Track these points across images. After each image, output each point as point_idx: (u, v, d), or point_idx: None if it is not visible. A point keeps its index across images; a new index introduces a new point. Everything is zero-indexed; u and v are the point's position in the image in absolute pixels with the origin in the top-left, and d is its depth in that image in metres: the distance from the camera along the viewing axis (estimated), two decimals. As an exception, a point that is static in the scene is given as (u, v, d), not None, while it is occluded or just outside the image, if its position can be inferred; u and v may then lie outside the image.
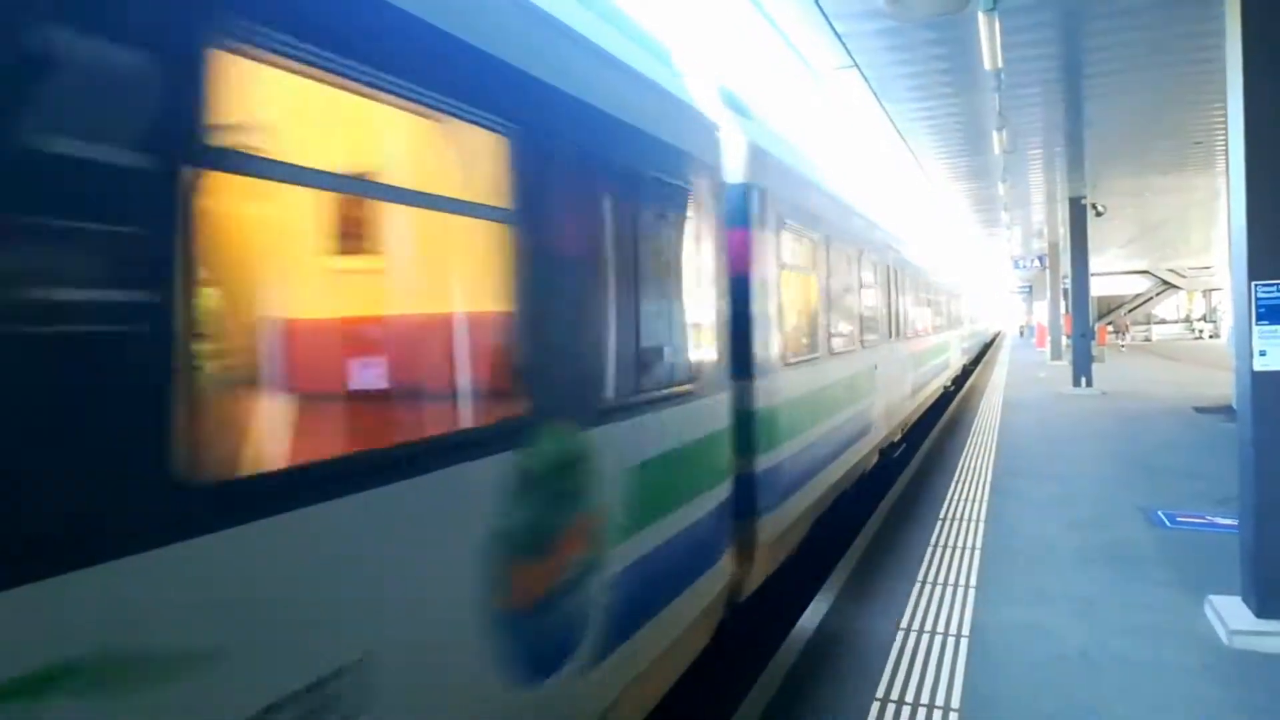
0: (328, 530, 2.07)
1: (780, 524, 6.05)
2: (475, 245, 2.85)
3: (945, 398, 21.24)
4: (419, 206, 2.63)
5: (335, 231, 2.78)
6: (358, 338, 2.97)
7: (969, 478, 10.68)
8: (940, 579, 6.73)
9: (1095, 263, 30.84)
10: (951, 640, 5.49)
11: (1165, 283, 57.26)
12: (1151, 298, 59.64)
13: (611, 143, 3.76)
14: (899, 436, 13.00)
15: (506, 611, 2.72)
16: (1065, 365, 25.37)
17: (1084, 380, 21.11)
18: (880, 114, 12.65)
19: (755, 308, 5.70)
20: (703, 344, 4.77)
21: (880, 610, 6.08)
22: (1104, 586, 6.45)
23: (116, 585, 1.55)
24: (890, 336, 12.09)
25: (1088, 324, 22.26)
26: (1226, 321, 41.41)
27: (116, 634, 1.56)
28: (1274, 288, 5.44)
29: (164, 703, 1.64)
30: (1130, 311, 59.06)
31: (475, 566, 2.58)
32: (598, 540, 3.35)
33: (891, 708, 4.61)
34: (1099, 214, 21.74)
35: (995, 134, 12.18)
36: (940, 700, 4.66)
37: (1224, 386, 17.22)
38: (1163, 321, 60.97)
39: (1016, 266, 42.38)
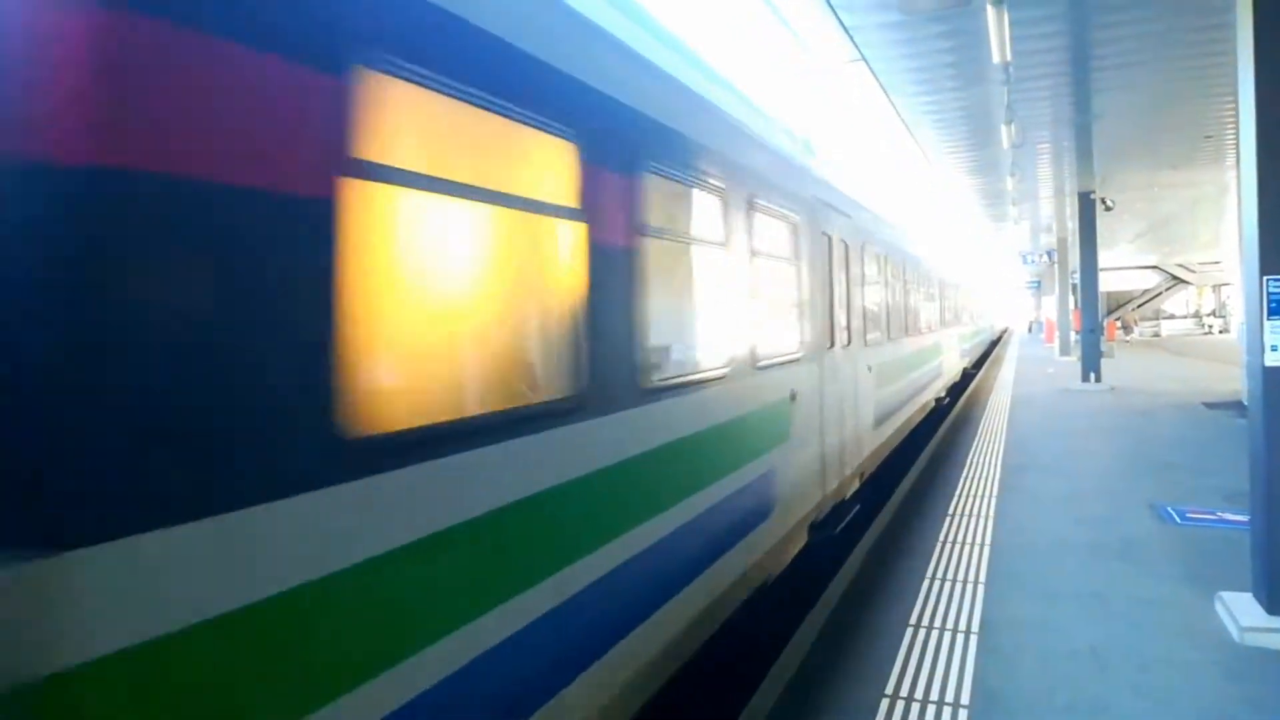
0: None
1: None
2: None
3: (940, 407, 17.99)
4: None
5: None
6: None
7: (978, 473, 10.65)
8: (949, 575, 6.71)
9: (1104, 257, 30.74)
10: (961, 636, 5.47)
11: (1175, 278, 56.96)
12: (1161, 293, 59.34)
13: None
14: (850, 490, 8.54)
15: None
16: (1074, 361, 25.29)
17: (1093, 376, 21.04)
18: (888, 108, 12.59)
19: None
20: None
21: (890, 606, 6.06)
22: (1114, 583, 6.42)
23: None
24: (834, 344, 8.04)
25: (1097, 319, 22.16)
26: (1236, 316, 41.20)
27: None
28: (1286, 282, 5.40)
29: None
30: (1140, 307, 58.80)
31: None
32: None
33: (901, 704, 4.60)
34: (1108, 209, 21.64)
35: (1004, 128, 12.13)
36: (950, 697, 4.65)
37: (1233, 382, 17.14)
38: (1172, 317, 60.71)
39: (1025, 261, 42.21)
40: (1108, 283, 47.45)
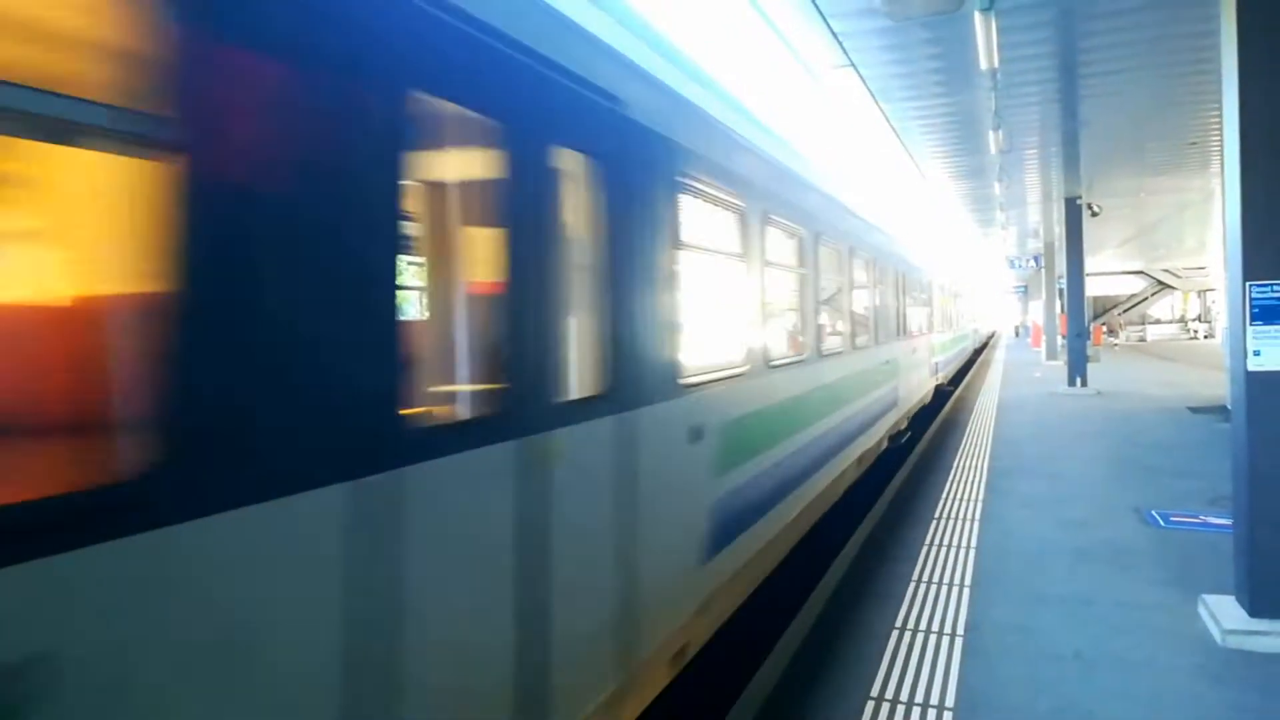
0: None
1: None
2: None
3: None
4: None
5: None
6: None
7: (964, 476, 10.70)
8: (935, 578, 6.74)
9: (1091, 263, 30.92)
10: (946, 639, 5.49)
11: (1160, 283, 57.38)
12: (1146, 298, 59.74)
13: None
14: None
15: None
16: (1060, 365, 25.44)
17: (1079, 380, 21.17)
18: (876, 113, 12.65)
19: None
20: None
21: (875, 609, 6.08)
22: (1098, 586, 6.46)
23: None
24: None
25: (1083, 324, 22.29)
26: (1221, 322, 41.52)
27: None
28: (1268, 288, 5.46)
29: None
30: (1125, 312, 59.16)
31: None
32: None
33: (886, 706, 4.62)
34: (1094, 214, 21.79)
35: (991, 133, 12.21)
36: (935, 699, 4.67)
37: (1218, 387, 17.26)
38: (1158, 322, 61.06)
39: (1012, 266, 42.41)
40: (1094, 288, 47.73)
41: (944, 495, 9.67)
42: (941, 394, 20.76)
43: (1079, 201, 21.24)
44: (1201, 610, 5.79)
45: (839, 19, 8.85)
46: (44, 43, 1.93)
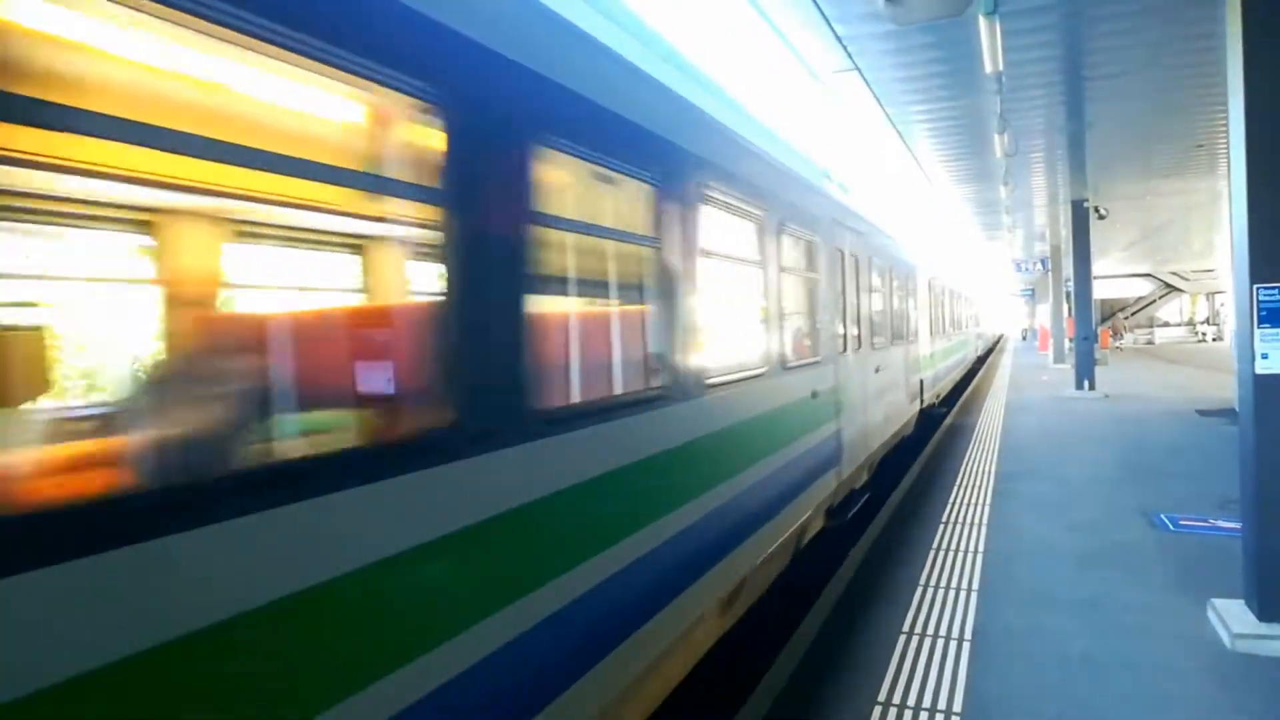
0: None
1: None
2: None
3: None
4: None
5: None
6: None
7: (972, 480, 10.67)
8: (943, 582, 6.72)
9: (1098, 266, 30.83)
10: (954, 644, 5.48)
11: (1168, 286, 57.17)
12: (1154, 301, 59.52)
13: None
14: None
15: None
16: (1068, 368, 25.35)
17: (1087, 383, 21.09)
18: (881, 117, 12.65)
19: None
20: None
21: (883, 613, 6.07)
22: (1106, 589, 6.44)
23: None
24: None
25: (1091, 327, 22.21)
26: (1229, 325, 41.28)
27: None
28: (1276, 290, 5.44)
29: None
30: (1133, 315, 58.96)
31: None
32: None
33: (894, 711, 4.60)
34: (1101, 217, 21.73)
35: (997, 137, 12.18)
36: (942, 704, 4.65)
37: (1226, 389, 17.20)
38: (1165, 325, 60.84)
39: (1019, 269, 42.32)
40: (1101, 290, 47.62)
41: (951, 499, 9.64)
42: (932, 418, 16.57)
43: (1085, 204, 21.18)
44: (1210, 614, 5.76)
45: (843, 23, 8.86)
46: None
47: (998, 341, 58.49)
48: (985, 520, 8.65)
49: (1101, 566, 7.02)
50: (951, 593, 6.47)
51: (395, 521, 2.45)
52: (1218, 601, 5.79)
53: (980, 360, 37.42)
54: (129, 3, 1.86)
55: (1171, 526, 8.15)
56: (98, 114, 1.83)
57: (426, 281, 2.73)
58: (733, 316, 5.83)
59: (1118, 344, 47.72)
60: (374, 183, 2.72)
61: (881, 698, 4.77)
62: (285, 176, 2.30)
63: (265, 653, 2.05)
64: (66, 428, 2.94)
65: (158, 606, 1.83)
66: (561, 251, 3.63)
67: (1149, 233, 31.28)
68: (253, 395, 2.77)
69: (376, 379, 2.95)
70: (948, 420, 16.91)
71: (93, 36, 2.18)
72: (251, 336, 3.13)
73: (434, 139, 2.70)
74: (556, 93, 3.41)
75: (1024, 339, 65.48)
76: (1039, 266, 38.38)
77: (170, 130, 1.95)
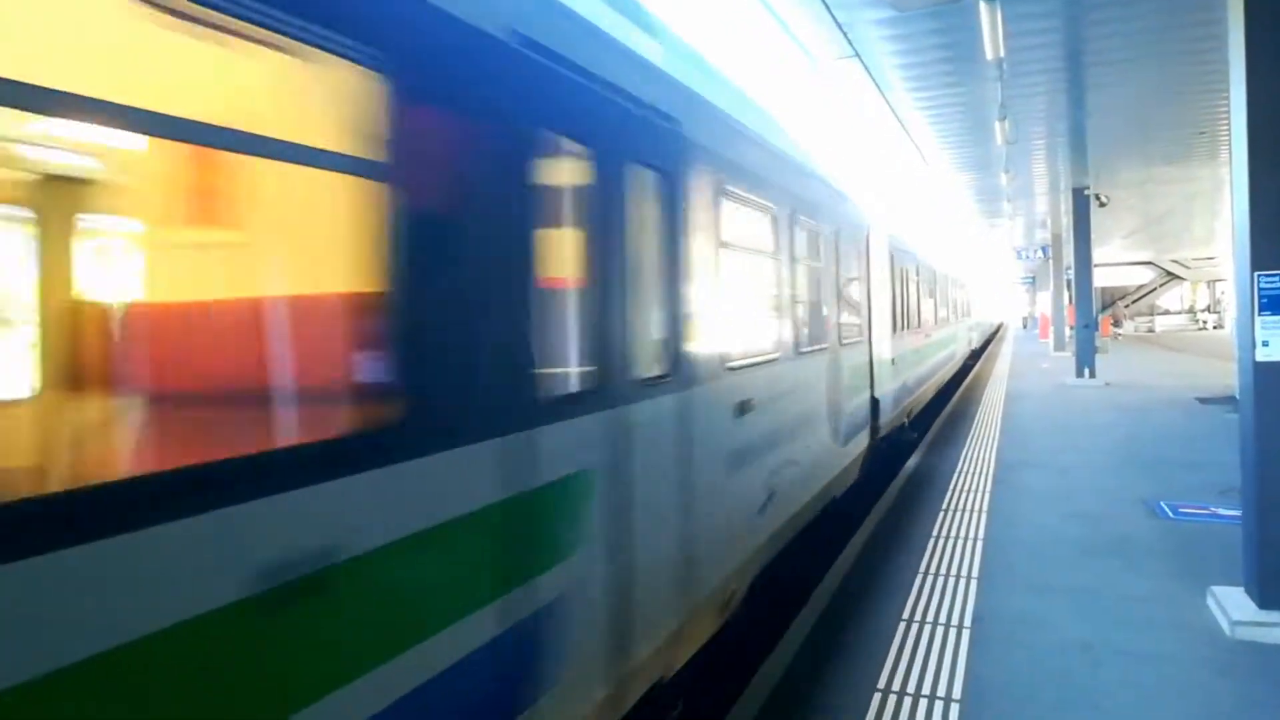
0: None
1: None
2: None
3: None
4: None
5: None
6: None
7: (972, 468, 10.67)
8: (943, 570, 6.73)
9: (1098, 254, 30.77)
10: (954, 631, 5.49)
11: (1169, 273, 57.14)
12: (1155, 289, 59.50)
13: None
14: None
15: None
16: (1068, 356, 25.33)
17: (1087, 371, 21.09)
18: (881, 104, 12.60)
19: None
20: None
21: (883, 601, 6.08)
22: (1106, 577, 6.45)
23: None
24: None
25: (1091, 315, 22.19)
26: (1230, 312, 41.20)
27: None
28: (1277, 278, 5.43)
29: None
30: (1134, 302, 58.95)
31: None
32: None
33: (893, 699, 4.61)
34: (1102, 205, 21.68)
35: (997, 124, 12.15)
36: (941, 691, 4.66)
37: (1227, 377, 17.19)
38: (1166, 313, 60.86)
39: (1020, 257, 42.28)
40: (1102, 278, 47.56)
41: (951, 486, 9.65)
42: (897, 445, 12.25)
43: (1086, 192, 21.13)
44: (1210, 602, 5.77)
45: (843, 9, 8.81)
46: None
47: (996, 331, 58.49)
48: (985, 508, 8.65)
49: (1101, 554, 7.03)
50: (951, 580, 6.47)
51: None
52: (1217, 589, 5.80)
53: (976, 354, 32.51)
54: None
55: (1171, 514, 8.16)
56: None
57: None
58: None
59: (1118, 332, 47.73)
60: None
61: (881, 684, 4.78)
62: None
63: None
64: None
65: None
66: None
67: (1150, 220, 31.24)
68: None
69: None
70: (917, 454, 12.23)
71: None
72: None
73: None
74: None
75: (1024, 327, 65.46)
76: (1040, 254, 38.35)
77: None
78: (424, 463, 2.47)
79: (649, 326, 4.08)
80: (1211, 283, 58.38)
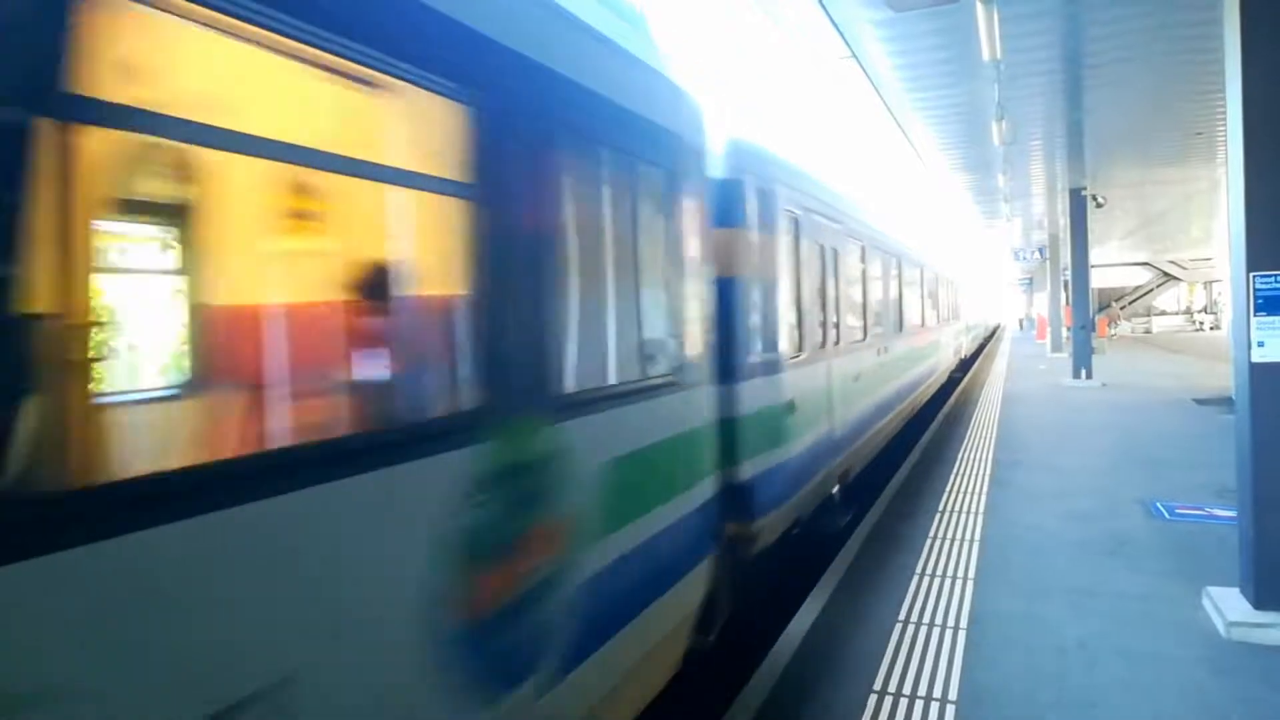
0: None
1: None
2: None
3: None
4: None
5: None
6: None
7: (968, 469, 10.68)
8: (939, 571, 6.73)
9: (1095, 254, 30.74)
10: (950, 632, 5.48)
11: (1166, 274, 57.21)
12: (1152, 289, 59.57)
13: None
14: None
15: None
16: (1065, 357, 25.34)
17: (1084, 372, 21.10)
18: (879, 105, 12.61)
19: None
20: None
21: (879, 603, 6.07)
22: (1102, 578, 6.45)
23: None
24: None
25: (1088, 316, 22.21)
26: (1227, 313, 41.26)
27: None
28: (1272, 279, 5.43)
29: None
30: (1131, 303, 59.03)
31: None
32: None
33: (889, 700, 4.61)
34: (1099, 205, 21.72)
35: (995, 125, 12.15)
36: (937, 692, 4.66)
37: (1224, 378, 17.20)
38: (1163, 313, 60.93)
39: (1017, 258, 42.31)
40: (1099, 279, 47.60)
41: (948, 488, 9.65)
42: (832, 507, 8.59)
43: (1084, 193, 21.15)
44: (1206, 602, 5.77)
45: (840, 10, 8.82)
46: None
47: (993, 333, 58.54)
48: (982, 509, 8.65)
49: (1098, 555, 7.03)
50: (948, 581, 6.47)
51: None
52: (1213, 589, 5.80)
53: (966, 364, 27.88)
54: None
55: (1168, 515, 8.16)
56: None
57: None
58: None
59: (1112, 333, 47.78)
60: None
61: (877, 686, 4.78)
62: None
63: None
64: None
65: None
66: None
67: (1147, 221, 31.30)
68: None
69: None
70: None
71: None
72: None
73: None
74: None
75: (1021, 328, 65.52)
76: (1037, 255, 38.38)
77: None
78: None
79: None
80: (1208, 283, 58.46)
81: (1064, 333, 31.59)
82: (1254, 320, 5.45)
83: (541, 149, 3.19)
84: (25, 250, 1.50)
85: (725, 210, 5.92)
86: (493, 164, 2.84)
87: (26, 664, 1.48)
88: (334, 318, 3.27)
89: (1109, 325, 48.83)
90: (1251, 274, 5.46)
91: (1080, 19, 9.41)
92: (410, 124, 2.64)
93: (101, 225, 2.75)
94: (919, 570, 6.76)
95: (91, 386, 2.06)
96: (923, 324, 16.27)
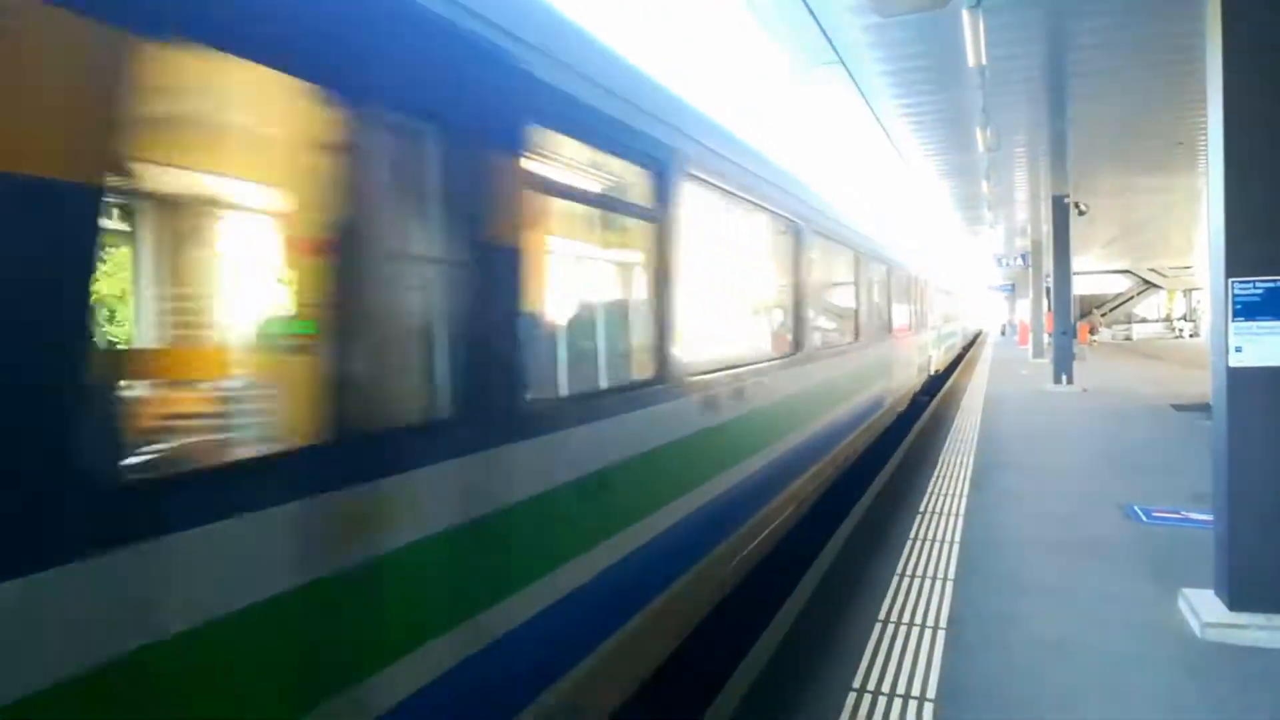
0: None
1: None
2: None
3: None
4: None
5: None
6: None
7: (949, 472, 10.74)
8: (919, 572, 6.77)
9: (1077, 262, 31.04)
10: (929, 632, 5.52)
11: (1146, 282, 57.77)
12: (1132, 297, 60.12)
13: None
14: None
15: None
16: (1047, 363, 25.54)
17: (1065, 377, 21.28)
18: (864, 110, 12.68)
19: None
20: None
21: (859, 602, 6.11)
22: (1080, 579, 6.51)
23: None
24: None
25: (1069, 322, 22.40)
26: (1206, 321, 41.70)
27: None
28: (1251, 285, 5.50)
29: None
30: (1112, 310, 59.54)
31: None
32: None
33: (868, 698, 4.64)
34: (1081, 213, 21.91)
35: (979, 131, 12.25)
36: (916, 690, 4.70)
37: (1202, 385, 17.35)
38: (1144, 321, 61.49)
39: (999, 264, 42.62)
40: (1081, 286, 48.02)
41: (929, 490, 9.71)
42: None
43: (1066, 200, 21.34)
44: (1181, 604, 5.84)
45: (827, 15, 8.87)
46: None
47: (975, 339, 58.89)
48: (962, 511, 8.71)
49: (1076, 557, 7.09)
50: (928, 582, 6.52)
51: None
52: (1189, 591, 5.87)
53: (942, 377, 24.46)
54: None
55: (1145, 518, 8.25)
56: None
57: None
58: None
59: (1094, 338, 48.18)
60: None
61: (856, 684, 4.80)
62: None
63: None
64: None
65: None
66: None
67: (1129, 229, 31.62)
68: None
69: None
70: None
71: None
72: None
73: None
74: None
75: (1003, 334, 65.97)
76: (1019, 261, 38.67)
77: None
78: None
79: None
80: (1188, 291, 59.05)
81: (1045, 338, 31.87)
82: (1232, 325, 5.52)
83: None
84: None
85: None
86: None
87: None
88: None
89: (1090, 332, 49.27)
90: (1230, 280, 5.53)
91: (1064, 28, 9.52)
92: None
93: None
94: (899, 570, 6.80)
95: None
96: (861, 336, 10.67)
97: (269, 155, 3.15)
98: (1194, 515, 8.12)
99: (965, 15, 8.10)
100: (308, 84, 2.32)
